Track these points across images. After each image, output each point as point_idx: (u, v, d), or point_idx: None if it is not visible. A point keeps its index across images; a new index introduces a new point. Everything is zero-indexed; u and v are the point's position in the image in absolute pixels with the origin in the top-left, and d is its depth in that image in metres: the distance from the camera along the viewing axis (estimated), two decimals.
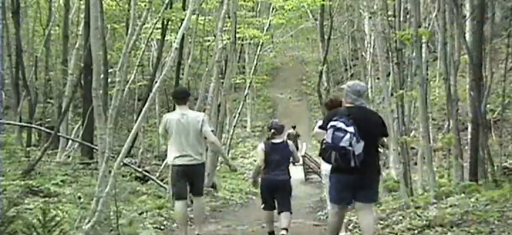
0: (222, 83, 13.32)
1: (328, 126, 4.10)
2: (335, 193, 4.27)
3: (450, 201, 6.66)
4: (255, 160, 14.16)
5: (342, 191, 4.21)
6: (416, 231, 5.38)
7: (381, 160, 4.29)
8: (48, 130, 11.43)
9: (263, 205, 5.58)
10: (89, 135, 11.28)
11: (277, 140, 5.53)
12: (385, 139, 4.41)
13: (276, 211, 5.52)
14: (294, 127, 18.50)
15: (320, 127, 4.48)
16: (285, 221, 5.38)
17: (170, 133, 5.23)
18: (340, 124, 4.04)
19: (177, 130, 5.18)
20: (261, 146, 5.56)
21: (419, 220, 5.79)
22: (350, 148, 3.99)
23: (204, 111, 9.53)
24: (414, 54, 8.90)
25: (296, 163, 6.08)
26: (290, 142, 5.70)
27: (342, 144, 3.99)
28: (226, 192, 11.07)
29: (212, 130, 5.38)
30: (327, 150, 4.12)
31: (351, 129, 4.02)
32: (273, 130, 5.53)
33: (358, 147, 4.01)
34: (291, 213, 5.50)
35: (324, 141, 4.14)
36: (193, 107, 6.63)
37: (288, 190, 5.52)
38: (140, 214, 6.99)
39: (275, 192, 5.46)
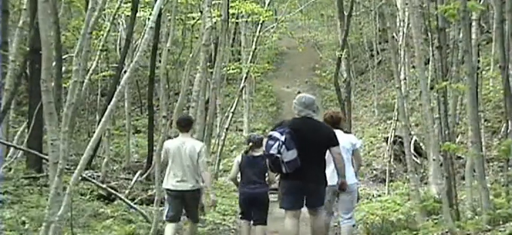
0: (211, 73, 13.32)
1: (267, 135, 5.86)
2: (286, 199, 5.95)
3: (509, 228, 6.65)
4: None
5: (290, 195, 5.90)
6: None
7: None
8: None
9: (240, 216, 7.39)
10: (36, 140, 11.26)
11: (255, 153, 7.05)
12: (336, 149, 5.93)
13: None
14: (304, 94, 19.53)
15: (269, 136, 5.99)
16: (259, 234, 7.10)
17: (170, 159, 6.88)
18: (275, 134, 5.70)
19: (175, 157, 6.84)
20: (237, 159, 7.27)
21: None
22: (278, 155, 5.61)
23: (187, 109, 9.57)
24: (461, 35, 8.89)
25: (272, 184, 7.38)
26: None
27: (271, 151, 5.65)
28: (217, 215, 11.08)
29: (207, 162, 7.23)
30: (264, 158, 6.10)
31: (282, 138, 5.61)
32: (251, 144, 7.12)
33: (288, 155, 5.60)
34: (266, 225, 7.15)
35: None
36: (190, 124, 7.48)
37: (264, 203, 7.08)
38: None
39: (252, 205, 7.08)
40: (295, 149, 5.64)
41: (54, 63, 11.07)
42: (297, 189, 5.84)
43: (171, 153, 6.89)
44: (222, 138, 16.95)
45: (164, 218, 7.10)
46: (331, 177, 6.24)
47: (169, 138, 12.55)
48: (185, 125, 7.06)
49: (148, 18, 10.97)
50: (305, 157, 5.69)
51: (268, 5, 19.81)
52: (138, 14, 14.97)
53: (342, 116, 7.15)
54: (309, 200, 5.94)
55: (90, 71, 12.55)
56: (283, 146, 5.60)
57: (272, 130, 5.93)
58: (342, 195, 6.57)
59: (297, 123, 5.88)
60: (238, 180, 7.38)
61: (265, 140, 6.11)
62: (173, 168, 6.89)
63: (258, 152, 7.01)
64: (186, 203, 6.99)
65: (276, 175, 6.66)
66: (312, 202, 5.95)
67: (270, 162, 5.80)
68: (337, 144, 5.95)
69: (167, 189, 6.96)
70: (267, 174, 7.10)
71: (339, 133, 6.42)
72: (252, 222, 7.18)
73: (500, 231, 6.61)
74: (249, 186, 7.06)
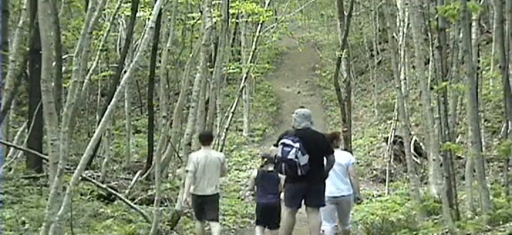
0: (211, 73, 13.31)
1: (279, 143, 6.67)
2: (288, 198, 6.83)
3: (509, 228, 6.65)
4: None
5: (294, 196, 6.74)
6: None
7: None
8: None
9: (256, 222, 8.23)
10: (36, 140, 11.26)
11: (269, 168, 7.99)
12: (331, 157, 6.78)
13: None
14: (302, 108, 19.68)
15: (274, 145, 6.92)
16: None
17: (198, 169, 7.78)
18: (288, 141, 6.56)
19: (202, 167, 7.77)
20: (254, 174, 8.30)
21: None
22: (296, 160, 6.46)
23: (187, 109, 9.59)
24: (461, 35, 8.89)
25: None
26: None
27: (289, 156, 6.48)
28: None
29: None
30: (279, 162, 6.71)
31: (297, 144, 6.49)
32: (265, 159, 8.14)
33: (303, 159, 6.47)
34: (278, 228, 7.82)
35: (276, 156, 6.79)
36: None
37: (278, 211, 8.00)
38: None
39: (267, 213, 8.01)
40: (307, 154, 6.50)
41: (54, 63, 11.08)
42: (301, 190, 6.67)
43: (200, 163, 7.79)
44: (222, 138, 16.94)
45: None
46: (327, 188, 7.05)
47: (169, 138, 12.64)
48: (206, 140, 8.12)
49: (148, 18, 10.98)
50: (311, 161, 6.55)
51: (268, 5, 19.79)
52: (138, 14, 14.97)
53: (337, 135, 8.12)
54: (311, 200, 6.72)
55: (90, 71, 12.56)
56: (299, 152, 6.47)
57: (280, 139, 6.77)
58: (341, 204, 7.48)
59: (301, 132, 6.70)
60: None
61: (273, 148, 6.98)
62: (199, 177, 7.80)
63: (271, 167, 7.90)
64: (208, 205, 7.86)
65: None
66: (314, 201, 6.72)
67: (287, 166, 6.56)
68: (332, 152, 6.86)
69: (195, 194, 7.83)
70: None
71: (334, 150, 7.21)
72: (266, 228, 8.10)
73: (500, 231, 6.61)
74: (265, 197, 7.98)
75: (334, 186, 7.32)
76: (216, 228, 7.88)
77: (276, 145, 6.85)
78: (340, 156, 7.46)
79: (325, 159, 6.81)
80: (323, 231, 7.48)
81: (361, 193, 13.75)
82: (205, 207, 7.86)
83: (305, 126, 6.81)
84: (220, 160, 8.05)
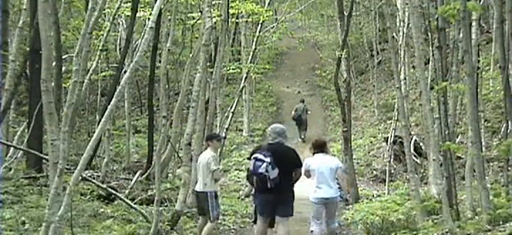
0: (211, 73, 13.31)
1: (252, 157, 7.21)
2: (260, 208, 7.38)
3: (509, 228, 6.64)
4: None
5: (265, 206, 7.28)
6: None
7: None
8: None
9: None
10: (36, 140, 11.26)
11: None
12: (299, 169, 7.41)
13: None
14: (302, 101, 22.53)
15: (248, 158, 7.63)
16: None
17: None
18: (260, 156, 7.06)
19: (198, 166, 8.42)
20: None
21: None
22: (266, 173, 6.96)
23: (187, 109, 9.62)
24: (461, 35, 8.88)
25: None
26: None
27: (260, 170, 7.00)
28: None
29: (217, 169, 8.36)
30: (251, 175, 7.42)
31: (268, 159, 6.98)
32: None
33: (273, 173, 6.97)
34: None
35: (248, 169, 7.44)
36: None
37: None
38: None
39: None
40: (277, 169, 7.00)
41: (54, 63, 11.07)
42: (271, 201, 7.18)
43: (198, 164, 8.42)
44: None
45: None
46: (316, 190, 7.88)
47: (169, 138, 12.64)
48: (206, 139, 8.77)
49: (148, 18, 10.97)
50: (281, 174, 7.06)
51: (268, 5, 19.79)
52: (138, 14, 14.96)
53: (326, 141, 8.67)
54: (280, 210, 7.23)
55: (90, 71, 12.55)
56: (270, 166, 6.97)
57: (254, 153, 7.39)
58: (328, 205, 8.00)
59: (273, 147, 7.24)
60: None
61: (247, 161, 7.65)
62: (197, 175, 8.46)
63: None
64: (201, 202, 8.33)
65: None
66: (283, 211, 7.24)
67: (258, 179, 7.11)
68: (300, 165, 7.45)
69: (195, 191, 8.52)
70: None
71: (323, 155, 8.11)
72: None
73: (500, 231, 6.61)
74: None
75: (323, 189, 7.88)
76: (208, 224, 8.35)
77: (249, 158, 7.48)
78: (329, 161, 8.12)
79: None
80: (312, 231, 8.08)
81: (361, 193, 13.92)
82: (200, 203, 8.42)
83: (278, 142, 7.33)
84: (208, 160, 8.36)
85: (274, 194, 7.11)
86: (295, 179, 7.34)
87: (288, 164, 7.20)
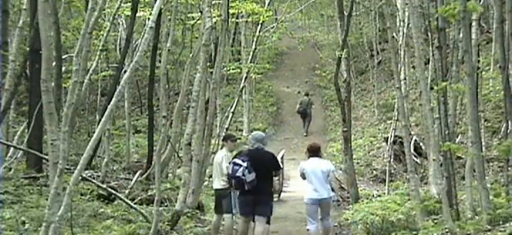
0: (211, 73, 13.29)
1: (230, 162, 8.03)
2: (240, 208, 8.11)
3: (509, 228, 6.64)
4: None
5: (244, 206, 7.97)
6: None
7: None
8: None
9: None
10: (36, 140, 11.26)
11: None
12: (278, 172, 8.63)
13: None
14: (307, 95, 23.52)
15: (229, 163, 8.19)
16: None
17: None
18: (239, 161, 7.80)
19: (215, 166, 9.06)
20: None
21: None
22: (243, 177, 7.66)
23: (187, 109, 9.64)
24: (461, 35, 8.88)
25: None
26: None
27: (237, 174, 7.71)
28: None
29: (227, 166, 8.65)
30: (230, 179, 8.02)
31: (245, 164, 7.69)
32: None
33: (250, 176, 7.65)
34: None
35: (228, 173, 8.09)
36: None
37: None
38: None
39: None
40: (254, 172, 7.66)
41: (54, 63, 11.07)
42: (249, 201, 7.83)
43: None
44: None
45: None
46: (310, 192, 8.40)
47: (169, 138, 12.63)
48: (223, 139, 9.67)
49: (148, 18, 10.97)
50: (258, 177, 7.71)
51: (268, 5, 19.77)
52: (138, 14, 14.96)
53: (320, 146, 9.07)
54: (258, 210, 7.83)
55: (90, 71, 12.54)
56: (246, 170, 7.65)
57: (234, 158, 8.08)
58: (321, 206, 8.51)
59: (253, 152, 7.99)
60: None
61: (229, 166, 8.07)
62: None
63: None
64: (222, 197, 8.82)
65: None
66: (261, 211, 7.84)
67: (236, 182, 7.77)
68: (278, 168, 8.47)
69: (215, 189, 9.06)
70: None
71: (317, 159, 8.59)
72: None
73: (500, 231, 6.61)
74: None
75: (316, 190, 8.38)
76: (227, 220, 8.95)
77: (231, 162, 8.13)
78: (322, 164, 8.60)
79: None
80: (308, 229, 8.63)
81: (361, 193, 13.91)
82: (220, 199, 8.92)
83: (256, 147, 8.08)
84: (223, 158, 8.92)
85: (253, 195, 7.74)
86: (276, 181, 8.11)
87: (266, 167, 7.90)
